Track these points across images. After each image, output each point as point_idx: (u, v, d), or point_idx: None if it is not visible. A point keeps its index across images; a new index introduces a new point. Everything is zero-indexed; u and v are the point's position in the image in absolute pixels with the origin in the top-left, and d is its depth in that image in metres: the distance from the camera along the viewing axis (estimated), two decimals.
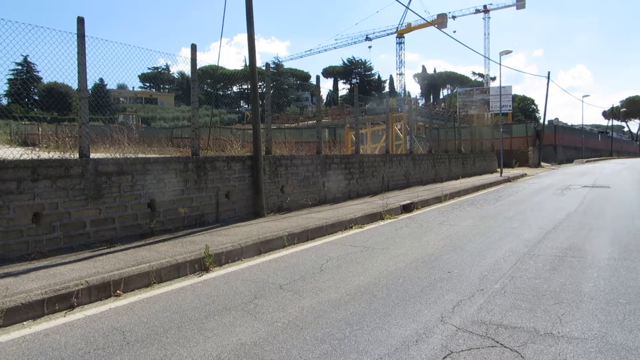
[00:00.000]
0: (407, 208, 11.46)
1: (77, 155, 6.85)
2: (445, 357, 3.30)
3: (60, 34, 6.67)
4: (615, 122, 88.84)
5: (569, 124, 78.39)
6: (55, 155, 7.05)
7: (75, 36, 6.74)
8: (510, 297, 4.61)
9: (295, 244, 7.56)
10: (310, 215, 9.60)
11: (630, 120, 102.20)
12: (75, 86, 6.99)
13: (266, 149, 10.26)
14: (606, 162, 45.80)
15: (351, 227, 9.05)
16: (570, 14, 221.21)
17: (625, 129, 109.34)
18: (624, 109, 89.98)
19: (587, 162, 45.70)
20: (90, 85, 7.08)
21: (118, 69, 7.74)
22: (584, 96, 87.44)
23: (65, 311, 4.52)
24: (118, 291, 5.02)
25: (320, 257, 6.62)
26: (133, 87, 74.30)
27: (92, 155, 7.04)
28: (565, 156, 46.46)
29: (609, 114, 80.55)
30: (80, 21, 6.77)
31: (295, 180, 10.93)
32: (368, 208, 10.60)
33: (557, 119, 78.32)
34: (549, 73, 39.59)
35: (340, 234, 8.48)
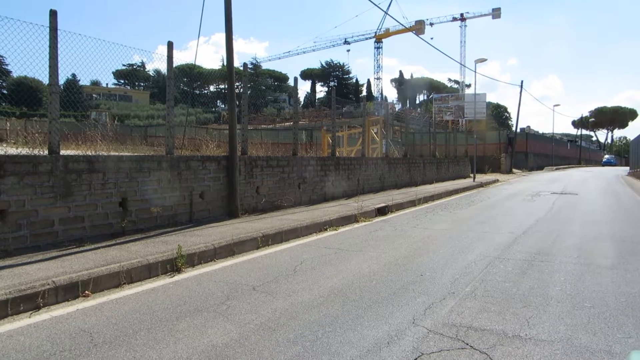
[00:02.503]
0: (381, 211, 11.54)
1: (46, 152, 6.68)
2: (416, 358, 3.33)
3: (32, 27, 6.50)
4: (584, 132, 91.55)
5: (540, 132, 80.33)
6: (23, 151, 6.85)
7: (47, 29, 6.58)
8: (481, 300, 4.69)
9: (269, 246, 7.53)
10: (285, 216, 9.58)
11: (598, 130, 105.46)
12: (46, 81, 6.82)
13: (242, 149, 10.19)
14: (575, 169, 47.07)
15: (326, 229, 9.06)
16: (544, 26, 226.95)
17: (594, 139, 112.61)
18: (593, 119, 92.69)
19: (556, 169, 46.87)
20: (62, 80, 6.94)
21: (91, 64, 7.59)
22: (554, 105, 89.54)
23: (31, 312, 4.40)
24: (87, 292, 4.91)
25: (294, 258, 6.61)
26: (107, 84, 72.92)
27: (63, 152, 6.87)
28: (536, 163, 47.54)
29: (578, 123, 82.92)
30: (53, 14, 6.61)
31: (271, 181, 10.89)
32: (343, 210, 10.64)
33: (529, 126, 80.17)
34: (522, 82, 40.56)
35: (315, 236, 8.48)
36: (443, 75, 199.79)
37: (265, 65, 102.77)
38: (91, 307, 4.55)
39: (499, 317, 4.18)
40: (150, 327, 3.97)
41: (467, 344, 3.58)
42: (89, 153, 7.62)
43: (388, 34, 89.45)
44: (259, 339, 3.70)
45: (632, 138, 47.40)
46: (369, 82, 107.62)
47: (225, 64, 10.03)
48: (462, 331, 3.84)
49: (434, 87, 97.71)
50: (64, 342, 3.66)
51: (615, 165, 66.03)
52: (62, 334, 3.82)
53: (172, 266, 5.89)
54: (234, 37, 9.73)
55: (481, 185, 21.90)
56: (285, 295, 4.84)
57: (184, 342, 3.64)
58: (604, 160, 71.25)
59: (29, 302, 4.45)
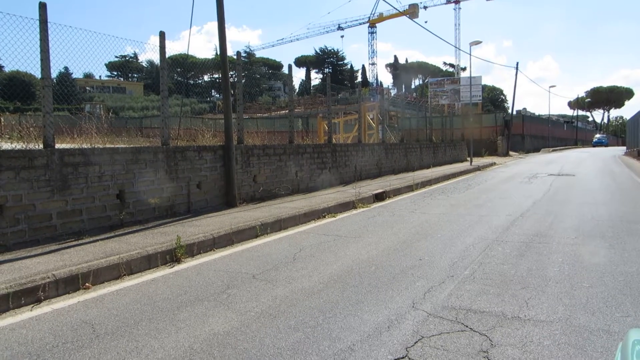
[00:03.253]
0: (379, 197, 11.56)
1: (41, 146, 6.65)
2: (417, 342, 3.36)
3: (22, 20, 6.43)
4: (580, 112, 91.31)
5: (536, 113, 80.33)
6: (18, 145, 6.81)
7: (38, 22, 6.51)
8: (479, 282, 4.72)
9: (268, 234, 7.55)
10: (283, 204, 9.59)
11: (595, 110, 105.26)
12: (39, 75, 6.76)
13: (238, 138, 10.16)
14: (571, 151, 47.12)
15: (324, 216, 9.08)
16: (538, 5, 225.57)
17: (590, 119, 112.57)
18: (589, 100, 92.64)
19: (553, 151, 46.94)
20: (54, 74, 6.89)
21: (84, 57, 7.54)
22: (550, 87, 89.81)
23: (32, 305, 4.41)
24: (87, 284, 4.92)
25: (294, 246, 6.63)
26: (100, 76, 72.33)
27: (58, 146, 6.84)
28: (533, 145, 47.56)
29: (574, 104, 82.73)
30: (42, 7, 6.52)
31: (268, 169, 10.88)
32: (341, 197, 10.65)
33: (525, 108, 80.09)
34: (517, 64, 40.36)
35: (314, 223, 8.50)
36: (438, 59, 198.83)
37: (258, 54, 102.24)
38: (92, 299, 4.57)
39: (498, 299, 4.21)
40: (152, 317, 3.99)
41: (467, 326, 3.61)
42: (84, 146, 7.59)
43: (382, 18, 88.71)
44: (260, 326, 3.72)
45: (628, 117, 47.14)
46: (363, 67, 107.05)
47: (218, 53, 9.96)
48: (461, 314, 3.87)
49: (429, 71, 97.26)
50: (66, 334, 3.67)
51: (606, 145, 61.35)
52: (64, 326, 3.83)
53: (171, 257, 5.90)
54: (226, 25, 9.64)
55: (478, 168, 21.92)
56: (285, 283, 4.86)
57: (185, 331, 3.66)
58: (595, 140, 64.80)
59: (30, 295, 4.47)
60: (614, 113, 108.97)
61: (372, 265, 5.47)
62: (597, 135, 70.27)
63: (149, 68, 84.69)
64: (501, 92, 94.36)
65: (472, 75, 28.98)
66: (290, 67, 13.43)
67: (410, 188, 13.49)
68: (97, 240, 6.30)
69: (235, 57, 10.65)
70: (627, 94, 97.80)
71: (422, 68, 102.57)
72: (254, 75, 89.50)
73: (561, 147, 54.15)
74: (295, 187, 11.79)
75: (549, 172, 18.53)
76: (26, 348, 3.44)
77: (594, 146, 58.96)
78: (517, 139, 43.39)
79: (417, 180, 14.37)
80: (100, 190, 7.13)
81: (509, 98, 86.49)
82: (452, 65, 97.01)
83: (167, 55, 8.59)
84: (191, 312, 4.07)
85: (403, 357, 3.14)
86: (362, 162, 15.48)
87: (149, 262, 5.66)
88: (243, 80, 10.85)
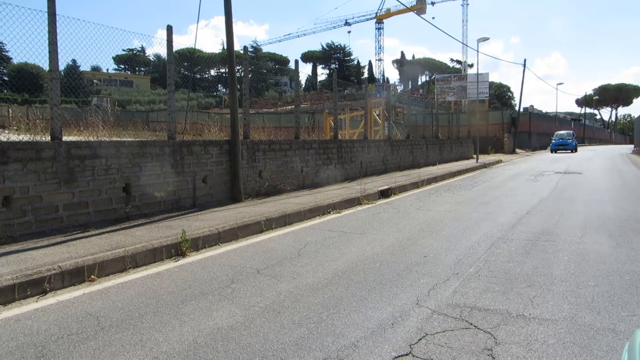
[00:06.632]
0: (384, 193, 11.54)
1: (48, 138, 6.68)
2: (421, 339, 3.35)
3: (30, 12, 6.45)
4: (588, 110, 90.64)
5: (544, 111, 79.83)
6: (25, 137, 6.85)
7: (46, 15, 6.52)
8: (485, 280, 4.70)
9: (273, 229, 7.55)
10: (289, 200, 9.59)
11: (602, 107, 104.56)
12: (46, 67, 6.78)
13: (244, 133, 10.16)
14: (579, 148, 46.78)
15: (329, 212, 9.07)
16: (547, 0, 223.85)
17: (598, 117, 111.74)
18: (597, 97, 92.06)
19: None
20: (62, 66, 6.90)
21: (91, 49, 7.56)
22: (558, 84, 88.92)
23: (38, 296, 4.44)
24: (92, 276, 4.94)
25: (298, 242, 6.63)
26: (107, 69, 72.46)
27: (65, 138, 6.87)
28: (540, 143, 47.29)
29: (582, 101, 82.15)
30: None
31: (274, 165, 10.88)
32: (346, 193, 10.63)
33: (532, 106, 79.68)
34: (525, 60, 40.05)
35: (319, 219, 8.49)
36: (445, 55, 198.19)
37: (265, 49, 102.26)
38: (97, 291, 4.59)
39: (503, 297, 4.19)
40: (156, 310, 4.00)
41: (471, 324, 3.59)
42: (91, 139, 7.62)
43: (389, 14, 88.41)
44: (264, 321, 3.72)
45: (636, 115, 46.34)
46: (370, 63, 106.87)
47: (225, 47, 9.95)
48: (466, 311, 3.86)
49: (435, 67, 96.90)
50: (71, 325, 3.70)
51: (573, 147, 38.96)
52: (69, 318, 3.86)
53: (176, 250, 5.92)
54: (233, 20, 9.62)
55: (484, 166, 21.83)
56: (289, 278, 4.86)
57: (189, 325, 3.67)
58: (554, 141, 40.15)
59: (36, 286, 4.49)
60: (622, 111, 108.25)
61: (377, 261, 5.46)
62: (560, 133, 42.02)
63: (156, 62, 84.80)
64: (508, 89, 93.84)
65: (479, 72, 28.80)
66: (296, 62, 13.41)
67: (415, 185, 13.45)
68: (103, 233, 6.33)
69: (242, 51, 10.63)
70: (636, 91, 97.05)
71: (429, 64, 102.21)
72: (260, 70, 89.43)
73: None
74: (301, 183, 11.79)
75: (555, 170, 18.42)
76: (31, 339, 3.46)
77: (553, 151, 39.25)
78: (524, 136, 43.15)
79: (422, 177, 14.32)
80: (107, 183, 7.16)
81: (516, 95, 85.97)
82: (459, 62, 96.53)
83: (174, 49, 8.60)
84: (195, 306, 4.08)
85: (407, 354, 3.14)
86: (367, 159, 15.45)
87: (154, 255, 5.68)
88: (250, 75, 10.84)
